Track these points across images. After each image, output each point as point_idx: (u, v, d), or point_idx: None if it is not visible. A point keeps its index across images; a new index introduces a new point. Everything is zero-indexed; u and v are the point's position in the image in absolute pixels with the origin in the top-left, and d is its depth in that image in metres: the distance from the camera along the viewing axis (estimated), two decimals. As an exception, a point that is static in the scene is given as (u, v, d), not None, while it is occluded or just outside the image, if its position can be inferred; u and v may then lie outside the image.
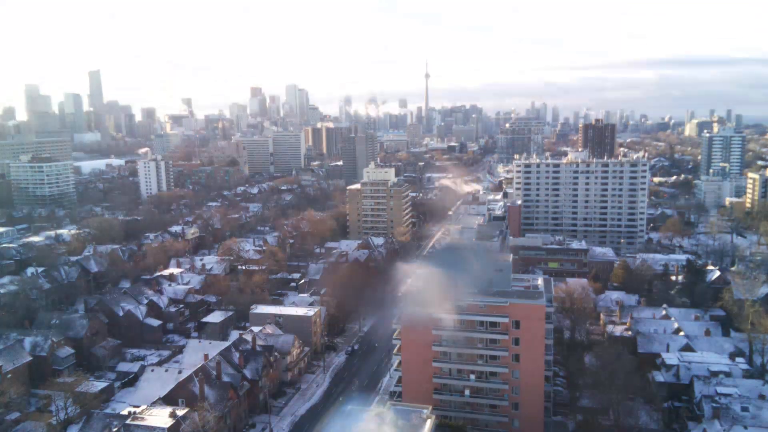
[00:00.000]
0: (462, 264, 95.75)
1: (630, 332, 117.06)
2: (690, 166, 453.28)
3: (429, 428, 67.68)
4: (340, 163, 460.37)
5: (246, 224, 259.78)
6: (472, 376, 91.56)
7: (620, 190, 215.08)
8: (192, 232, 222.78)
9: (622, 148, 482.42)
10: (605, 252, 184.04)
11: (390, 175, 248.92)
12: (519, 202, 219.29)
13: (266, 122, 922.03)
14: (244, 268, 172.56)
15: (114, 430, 79.54)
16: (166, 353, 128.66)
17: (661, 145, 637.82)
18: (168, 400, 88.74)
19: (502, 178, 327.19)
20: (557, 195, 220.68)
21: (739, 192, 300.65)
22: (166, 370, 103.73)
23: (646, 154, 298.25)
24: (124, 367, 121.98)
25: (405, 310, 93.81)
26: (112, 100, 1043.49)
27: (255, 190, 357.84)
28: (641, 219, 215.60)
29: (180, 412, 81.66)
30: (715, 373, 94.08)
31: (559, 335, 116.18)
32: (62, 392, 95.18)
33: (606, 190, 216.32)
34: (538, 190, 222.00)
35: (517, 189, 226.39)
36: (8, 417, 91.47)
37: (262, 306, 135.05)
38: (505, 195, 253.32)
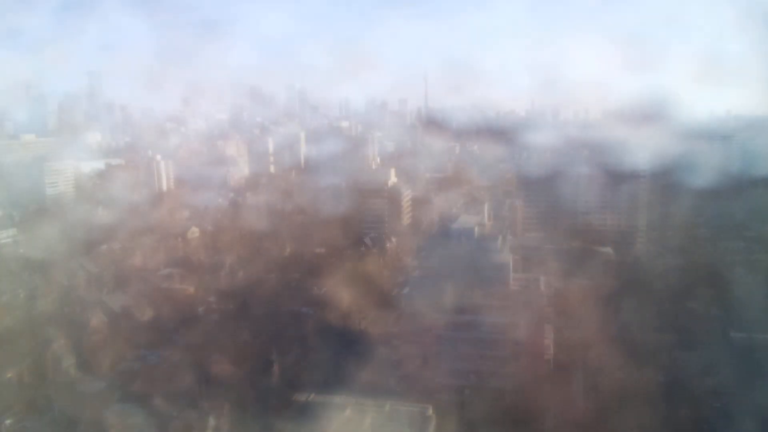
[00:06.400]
0: (462, 263, 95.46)
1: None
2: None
3: (429, 428, 67.57)
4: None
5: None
6: (473, 376, 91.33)
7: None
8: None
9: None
10: (605, 251, 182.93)
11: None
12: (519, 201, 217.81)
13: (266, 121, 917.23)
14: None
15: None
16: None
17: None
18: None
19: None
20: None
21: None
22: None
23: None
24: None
25: (405, 308, 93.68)
26: (111, 100, 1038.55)
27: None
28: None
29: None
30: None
31: (559, 335, 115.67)
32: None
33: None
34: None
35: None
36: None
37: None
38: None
